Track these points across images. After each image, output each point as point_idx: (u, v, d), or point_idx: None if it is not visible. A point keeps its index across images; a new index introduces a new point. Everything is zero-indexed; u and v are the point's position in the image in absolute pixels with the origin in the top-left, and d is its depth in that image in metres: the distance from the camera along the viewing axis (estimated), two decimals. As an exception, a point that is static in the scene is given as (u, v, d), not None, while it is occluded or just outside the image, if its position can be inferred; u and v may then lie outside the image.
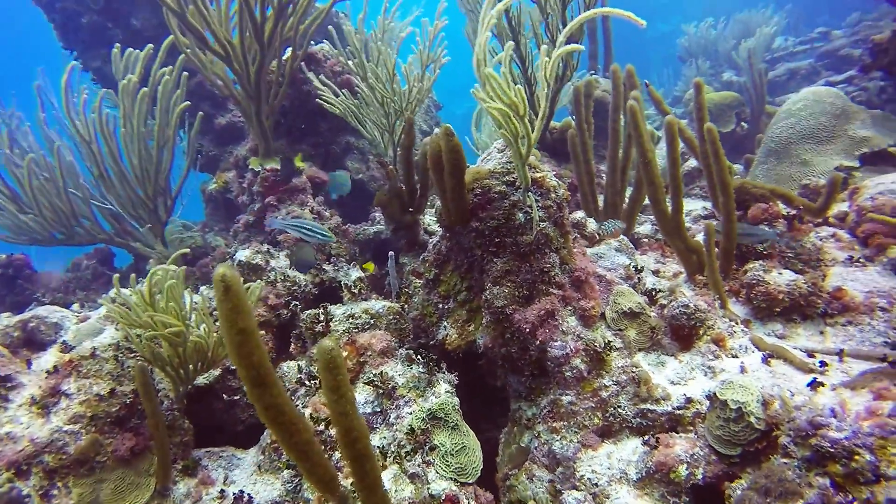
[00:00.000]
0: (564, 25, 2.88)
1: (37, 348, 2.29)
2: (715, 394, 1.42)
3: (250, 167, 3.17)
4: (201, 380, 2.10)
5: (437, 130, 1.68)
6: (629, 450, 1.58)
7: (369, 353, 1.67)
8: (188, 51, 3.17)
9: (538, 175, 1.72)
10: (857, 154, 3.21)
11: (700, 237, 2.26)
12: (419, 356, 1.69)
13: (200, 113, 3.62)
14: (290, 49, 3.29)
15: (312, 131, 3.48)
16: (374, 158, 4.68)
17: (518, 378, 1.81)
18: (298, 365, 1.87)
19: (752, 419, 1.31)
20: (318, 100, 2.51)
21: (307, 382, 1.74)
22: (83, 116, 3.56)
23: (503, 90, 1.52)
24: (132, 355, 1.94)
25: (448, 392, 1.61)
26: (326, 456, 1.40)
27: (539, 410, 1.74)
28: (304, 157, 3.52)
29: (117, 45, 3.48)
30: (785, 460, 1.23)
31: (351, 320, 1.80)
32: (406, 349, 1.73)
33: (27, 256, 3.92)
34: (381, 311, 1.84)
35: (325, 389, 1.06)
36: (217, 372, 2.15)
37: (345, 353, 1.70)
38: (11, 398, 1.75)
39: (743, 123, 5.18)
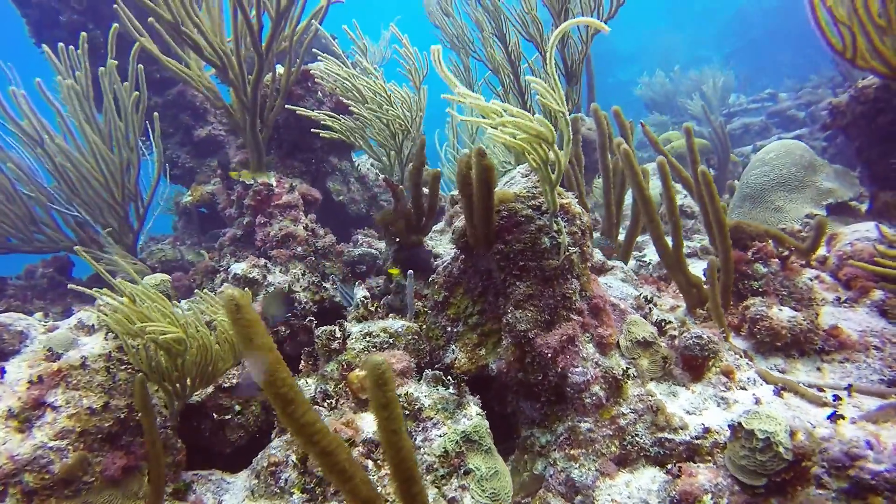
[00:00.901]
0: (563, 61, 2.98)
1: (0, 358, 2.11)
2: (740, 423, 1.45)
3: (241, 180, 3.08)
4: (194, 397, 1.98)
5: (464, 150, 1.69)
6: (647, 479, 1.58)
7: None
8: (169, 60, 3.09)
9: (564, 201, 1.75)
10: (824, 204, 3.43)
11: (699, 272, 2.34)
12: (449, 377, 1.65)
13: (156, 114, 3.53)
14: (281, 65, 3.27)
15: (306, 147, 3.43)
16: (355, 180, 4.66)
17: (532, 404, 1.79)
18: (310, 383, 1.79)
19: (781, 449, 1.34)
20: (323, 120, 2.48)
21: (322, 402, 1.66)
22: (31, 117, 3.41)
23: (529, 121, 1.55)
24: (123, 367, 1.81)
25: (479, 415, 1.57)
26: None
27: (555, 437, 1.72)
28: (296, 173, 3.46)
29: (60, 44, 3.38)
30: (820, 491, 1.26)
31: (368, 339, 1.75)
32: (432, 371, 1.69)
33: (-22, 261, 3.64)
34: (399, 330, 1.79)
35: (376, 407, 1.01)
36: (210, 389, 2.03)
37: (363, 373, 1.64)
38: (-13, 409, 1.59)
39: (710, 170, 5.47)
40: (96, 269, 1.91)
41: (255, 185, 2.92)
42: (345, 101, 2.09)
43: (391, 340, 1.76)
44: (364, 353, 1.72)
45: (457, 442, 1.45)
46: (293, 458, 1.79)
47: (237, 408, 2.10)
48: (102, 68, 3.34)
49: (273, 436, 1.98)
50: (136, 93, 3.41)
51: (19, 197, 3.60)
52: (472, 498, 1.36)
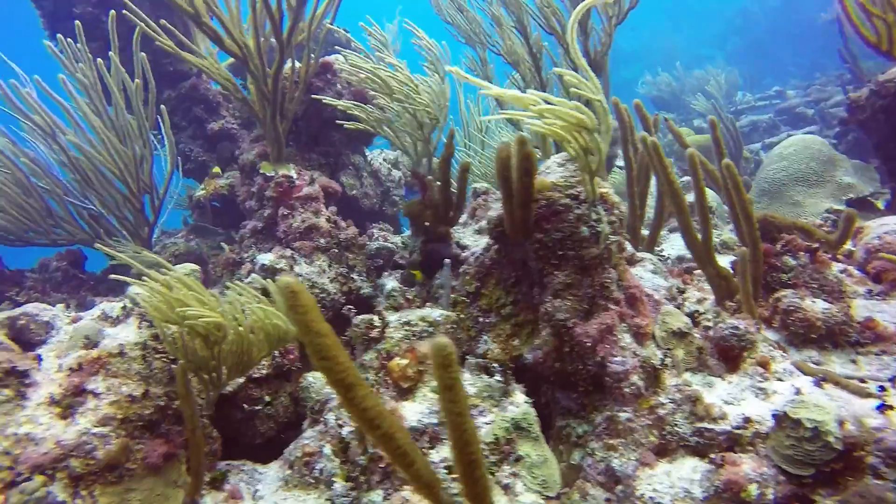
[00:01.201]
0: (586, 53, 2.97)
1: (26, 348, 2.10)
2: (786, 413, 1.44)
3: (261, 172, 3.07)
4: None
5: (504, 139, 1.69)
6: (688, 469, 1.58)
7: (429, 361, 1.62)
8: (186, 54, 3.08)
9: (603, 190, 1.75)
10: (844, 199, 3.42)
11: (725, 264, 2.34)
12: (495, 365, 1.65)
13: (163, 106, 3.53)
14: (297, 58, 3.25)
15: (325, 140, 3.42)
16: (367, 175, 4.65)
17: (569, 395, 1.79)
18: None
19: (831, 438, 1.34)
20: (350, 110, 2.47)
21: None
22: (41, 111, 3.41)
23: (568, 109, 1.54)
24: (158, 356, 1.81)
25: (527, 402, 1.57)
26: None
27: (592, 427, 1.72)
28: (313, 165, 3.45)
29: (59, 35, 3.38)
30: (878, 482, 1.26)
31: (407, 328, 1.74)
32: (475, 358, 1.69)
33: (-1, 253, 3.64)
34: (438, 319, 1.79)
35: (442, 388, 1.01)
36: (241, 380, 2.03)
37: (405, 361, 1.64)
38: (29, 396, 1.59)
39: (722, 166, 5.46)
40: (125, 261, 1.91)
41: (277, 177, 2.91)
42: (371, 92, 2.08)
43: (430, 329, 1.76)
44: (403, 342, 1.72)
45: (507, 429, 1.45)
46: (328, 448, 1.80)
47: (267, 398, 2.09)
48: (107, 60, 3.34)
49: (305, 426, 1.98)
50: (138, 82, 3.39)
51: (36, 191, 3.60)
52: (524, 485, 1.36)
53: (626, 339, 1.73)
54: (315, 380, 2.11)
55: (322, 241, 2.67)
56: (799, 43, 19.04)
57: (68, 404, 1.58)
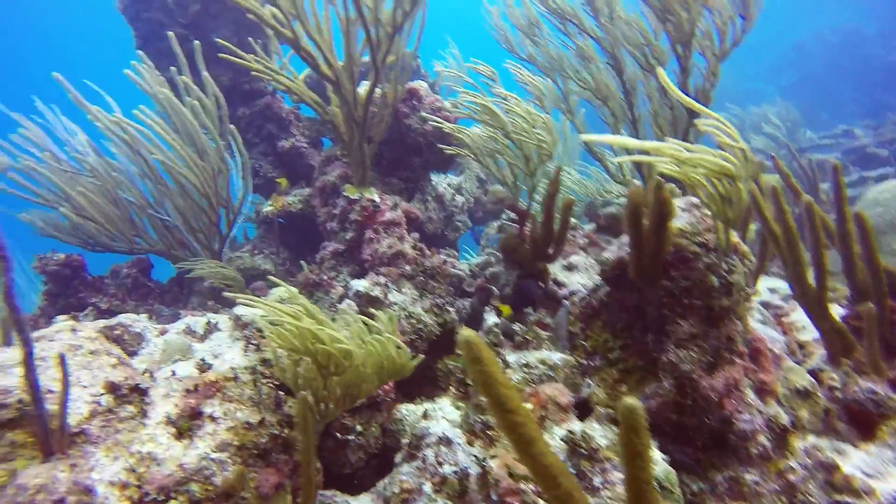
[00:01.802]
0: (686, 93, 2.91)
1: (121, 359, 2.14)
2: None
3: (344, 194, 3.10)
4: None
5: (635, 182, 1.64)
6: (825, 543, 1.48)
7: (551, 406, 1.56)
8: (276, 75, 3.15)
9: (733, 240, 1.68)
10: (947, 250, 3.24)
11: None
12: None
13: (232, 126, 3.64)
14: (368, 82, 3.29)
15: (406, 165, 3.45)
16: (432, 199, 4.66)
17: (683, 448, 1.71)
18: (460, 410, 1.75)
19: None
20: (456, 133, 2.46)
21: (481, 434, 1.62)
22: (127, 124, 3.54)
23: (712, 157, 1.49)
24: (265, 381, 1.81)
25: (665, 460, 1.50)
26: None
27: (710, 486, 1.63)
28: (393, 190, 3.48)
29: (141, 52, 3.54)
30: None
31: (526, 369, 1.70)
32: (605, 409, 1.63)
33: (83, 258, 3.75)
34: (558, 363, 1.74)
35: (629, 455, 0.95)
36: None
37: (529, 406, 1.59)
38: (149, 414, 1.60)
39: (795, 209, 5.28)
40: (202, 274, 1.91)
41: (362, 201, 2.93)
42: (483, 123, 2.07)
43: (550, 373, 1.71)
44: (523, 386, 1.67)
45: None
46: (428, 486, 1.75)
47: (359, 428, 2.07)
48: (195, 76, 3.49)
49: (399, 460, 1.94)
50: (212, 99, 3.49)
51: (122, 202, 3.72)
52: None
53: (751, 395, 1.64)
54: (409, 412, 2.08)
55: (408, 268, 2.66)
56: (858, 79, 18.51)
57: (185, 426, 1.58)
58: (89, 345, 1.73)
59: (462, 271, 3.24)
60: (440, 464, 1.77)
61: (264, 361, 1.81)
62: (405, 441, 1.95)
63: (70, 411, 1.48)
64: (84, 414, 1.49)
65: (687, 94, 2.83)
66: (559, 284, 2.32)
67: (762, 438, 1.59)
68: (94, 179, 3.62)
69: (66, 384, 1.42)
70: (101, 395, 1.55)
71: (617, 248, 1.90)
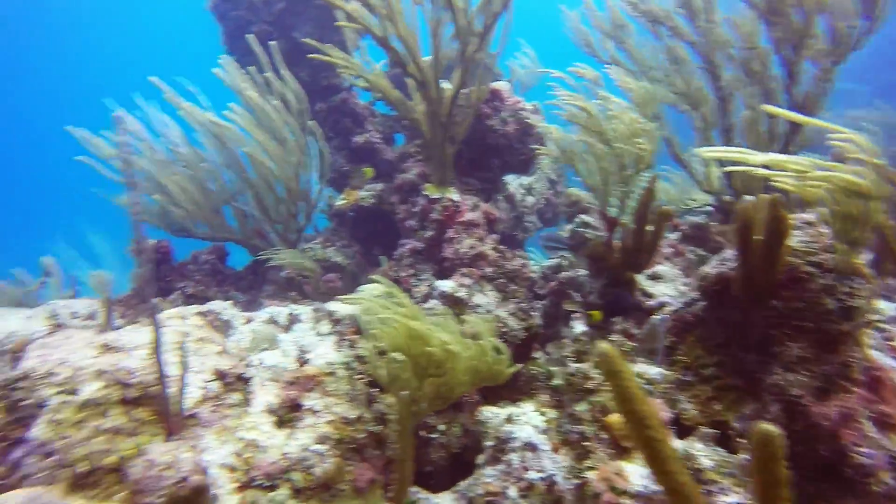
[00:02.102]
0: (790, 96, 2.75)
1: (213, 346, 2.23)
2: None
3: (424, 193, 3.13)
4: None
5: (746, 196, 1.58)
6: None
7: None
8: (364, 73, 3.20)
9: (856, 262, 1.59)
10: None
11: None
12: (741, 439, 1.54)
13: (313, 121, 3.73)
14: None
15: (484, 166, 3.45)
16: (503, 199, 4.64)
17: (786, 477, 1.63)
18: (549, 417, 1.75)
19: None
20: (548, 134, 2.43)
21: (576, 444, 1.60)
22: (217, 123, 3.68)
23: (844, 174, 1.41)
24: (358, 377, 1.85)
25: None
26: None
27: (819, 520, 1.55)
28: (470, 191, 3.48)
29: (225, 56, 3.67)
30: None
31: None
32: (709, 429, 1.58)
33: (170, 244, 3.96)
34: (657, 377, 1.70)
35: (766, 484, 0.92)
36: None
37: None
38: (251, 402, 1.67)
39: None
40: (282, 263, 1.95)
41: (444, 201, 2.95)
42: (584, 129, 2.04)
43: (649, 387, 1.67)
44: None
45: (763, 520, 1.32)
46: (513, 490, 1.75)
47: (442, 427, 2.09)
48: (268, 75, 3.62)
49: (482, 462, 1.95)
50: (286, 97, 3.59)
51: (209, 191, 3.91)
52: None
53: (871, 428, 1.55)
54: (492, 415, 2.08)
55: (489, 269, 2.66)
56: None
57: (285, 416, 1.64)
58: (197, 332, 1.83)
59: (534, 273, 3.22)
60: (526, 469, 1.77)
61: (358, 358, 1.86)
62: (488, 444, 1.96)
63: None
64: (197, 398, 1.58)
65: (794, 101, 2.69)
66: (646, 295, 2.26)
67: (887, 476, 1.50)
68: (186, 169, 3.82)
69: (185, 369, 1.50)
70: (211, 381, 1.63)
71: (718, 263, 1.83)
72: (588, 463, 1.59)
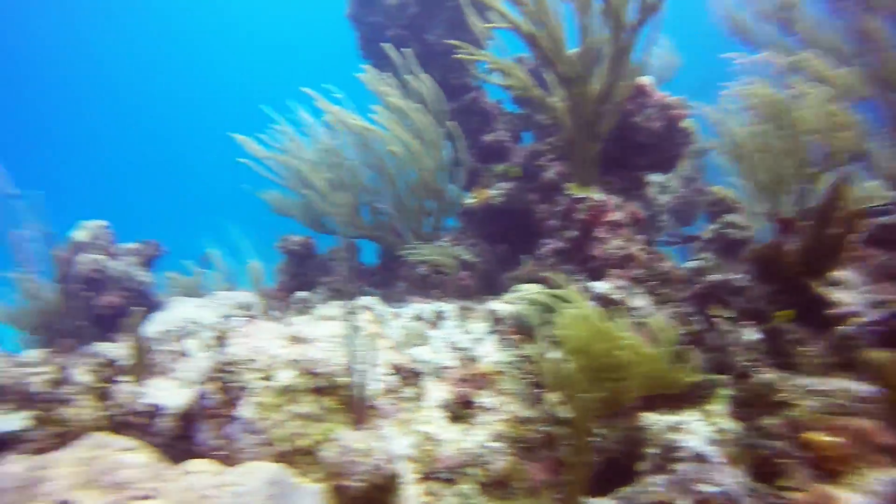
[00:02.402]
0: None
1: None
2: None
3: (567, 192, 3.08)
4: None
5: None
6: None
7: (864, 445, 1.39)
8: (509, 68, 3.19)
9: None
10: None
11: None
12: None
13: (451, 123, 3.80)
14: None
15: (627, 164, 3.33)
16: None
17: None
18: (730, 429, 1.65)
19: None
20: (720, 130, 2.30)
21: (769, 461, 1.50)
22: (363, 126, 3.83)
23: None
24: (522, 378, 1.86)
25: None
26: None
27: None
28: (612, 190, 3.38)
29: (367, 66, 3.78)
30: None
31: (823, 397, 1.54)
32: None
33: (313, 240, 4.23)
34: (865, 394, 1.55)
35: None
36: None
37: (837, 440, 1.43)
38: (424, 397, 1.74)
39: None
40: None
41: (589, 200, 2.88)
42: (766, 121, 1.89)
43: (858, 405, 1.52)
44: (821, 415, 1.51)
45: None
46: (686, 502, 1.67)
47: (603, 431, 2.04)
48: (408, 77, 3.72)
49: (645, 469, 1.88)
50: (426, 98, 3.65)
51: (351, 189, 4.13)
52: None
53: None
54: (654, 422, 2.00)
55: (639, 271, 2.56)
56: None
57: (458, 412, 1.68)
58: (370, 327, 1.93)
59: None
60: (698, 481, 1.69)
61: (522, 357, 1.87)
62: (651, 451, 1.89)
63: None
64: (379, 391, 1.66)
65: None
66: (827, 303, 2.05)
67: None
68: (333, 168, 4.06)
69: (371, 363, 1.59)
70: (390, 375, 1.71)
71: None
72: (780, 482, 1.47)
